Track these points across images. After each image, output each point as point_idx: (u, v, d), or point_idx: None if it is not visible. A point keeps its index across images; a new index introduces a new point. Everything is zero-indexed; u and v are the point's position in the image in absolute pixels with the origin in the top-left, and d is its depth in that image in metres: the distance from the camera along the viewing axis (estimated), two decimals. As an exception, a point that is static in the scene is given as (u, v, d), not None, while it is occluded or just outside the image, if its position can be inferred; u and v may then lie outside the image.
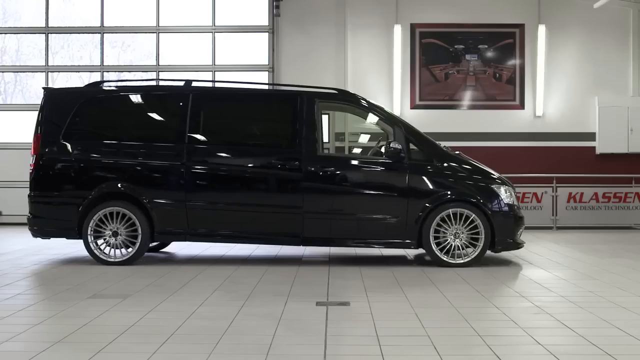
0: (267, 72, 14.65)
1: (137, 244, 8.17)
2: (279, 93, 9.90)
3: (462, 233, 8.05)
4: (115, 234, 8.20)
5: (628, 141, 14.54)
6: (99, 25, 14.97)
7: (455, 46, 14.66)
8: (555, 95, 14.65)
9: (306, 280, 7.11)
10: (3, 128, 14.94)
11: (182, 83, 8.75)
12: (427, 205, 8.05)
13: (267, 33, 14.73)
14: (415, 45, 14.61)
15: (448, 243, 8.05)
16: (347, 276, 7.37)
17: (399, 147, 8.13)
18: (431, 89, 14.66)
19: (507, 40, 14.66)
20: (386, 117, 8.61)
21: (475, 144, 13.97)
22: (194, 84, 8.76)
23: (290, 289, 6.52)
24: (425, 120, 13.63)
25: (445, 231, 8.04)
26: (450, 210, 8.05)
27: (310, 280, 7.07)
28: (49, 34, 15.06)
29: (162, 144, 8.38)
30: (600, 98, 14.55)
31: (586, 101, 14.65)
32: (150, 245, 8.75)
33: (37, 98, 13.19)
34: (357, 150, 14.13)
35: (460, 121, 14.53)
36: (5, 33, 15.33)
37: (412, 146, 8.22)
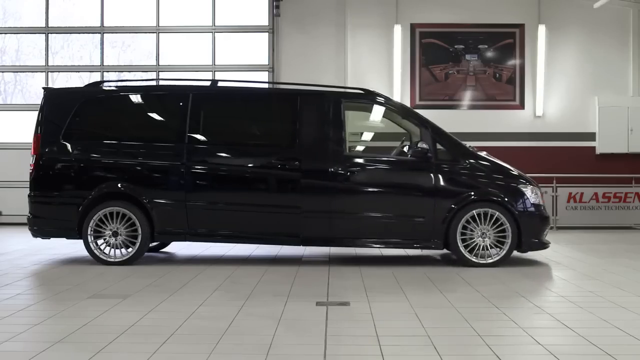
0: (267, 72, 14.65)
1: (137, 244, 8.17)
2: (305, 93, 8.76)
3: (489, 237, 8.01)
4: (115, 234, 8.19)
5: (628, 141, 14.54)
6: (99, 25, 14.97)
7: (455, 46, 14.66)
8: (555, 95, 14.65)
9: (306, 280, 7.11)
10: (3, 128, 14.95)
11: (208, 83, 8.93)
12: (454, 205, 8.01)
13: (267, 33, 14.73)
14: (415, 45, 14.61)
15: (475, 243, 8.02)
16: (347, 276, 7.36)
17: (426, 147, 8.10)
18: (431, 89, 14.66)
19: (507, 40, 14.67)
20: (413, 116, 8.56)
21: (475, 144, 13.87)
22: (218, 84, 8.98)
23: (290, 289, 6.51)
24: (425, 120, 13.59)
25: (472, 231, 8.02)
26: (476, 210, 8.02)
27: (310, 280, 7.07)
28: (49, 34, 15.05)
29: (162, 144, 8.38)
30: (600, 98, 14.55)
31: (586, 101, 14.65)
32: (150, 245, 8.75)
33: (37, 98, 13.19)
34: (359, 148, 14.07)
35: (461, 121, 14.50)
36: (5, 33, 15.32)
37: (438, 146, 8.19)
